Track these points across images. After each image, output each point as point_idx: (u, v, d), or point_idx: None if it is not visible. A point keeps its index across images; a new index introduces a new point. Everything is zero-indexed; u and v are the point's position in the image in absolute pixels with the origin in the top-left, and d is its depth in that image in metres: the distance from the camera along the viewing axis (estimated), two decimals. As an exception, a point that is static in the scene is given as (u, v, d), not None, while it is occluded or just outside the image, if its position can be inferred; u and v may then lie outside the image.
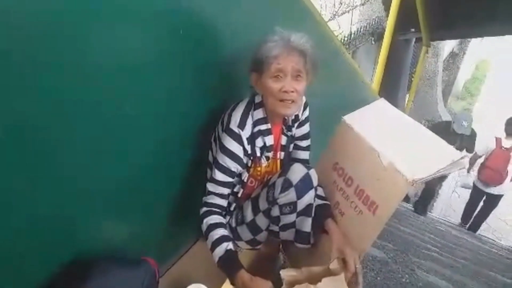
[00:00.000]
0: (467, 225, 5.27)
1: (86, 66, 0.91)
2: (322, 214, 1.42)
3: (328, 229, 1.39)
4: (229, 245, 1.28)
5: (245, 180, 1.44)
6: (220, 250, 1.27)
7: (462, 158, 1.23)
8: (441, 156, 1.26)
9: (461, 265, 2.94)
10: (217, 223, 1.32)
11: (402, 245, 2.79)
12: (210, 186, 1.36)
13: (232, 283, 1.26)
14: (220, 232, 1.31)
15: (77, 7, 0.84)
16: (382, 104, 1.59)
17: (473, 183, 4.93)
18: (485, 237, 5.34)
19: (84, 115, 0.95)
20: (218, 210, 1.36)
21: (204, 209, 1.35)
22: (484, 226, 5.87)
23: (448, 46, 10.06)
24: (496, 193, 4.64)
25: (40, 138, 0.87)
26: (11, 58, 0.75)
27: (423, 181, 1.22)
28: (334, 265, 1.30)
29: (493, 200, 4.77)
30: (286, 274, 1.29)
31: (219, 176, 1.33)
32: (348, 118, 1.52)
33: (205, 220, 1.33)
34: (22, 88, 0.79)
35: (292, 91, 1.27)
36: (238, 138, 1.32)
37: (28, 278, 0.99)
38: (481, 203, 4.95)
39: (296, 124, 1.50)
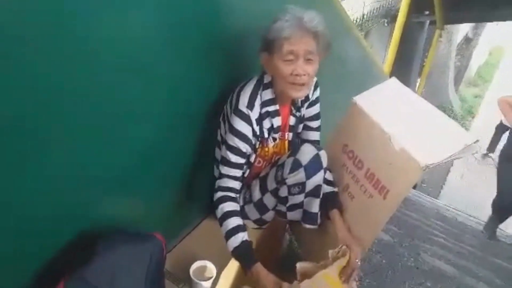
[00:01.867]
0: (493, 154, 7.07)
1: (92, 50, 0.90)
2: (328, 203, 1.42)
3: (333, 221, 1.39)
4: (245, 236, 1.28)
5: (252, 161, 1.43)
6: (235, 240, 1.27)
7: (475, 142, 1.21)
8: (454, 140, 1.23)
9: (467, 252, 2.94)
10: (232, 210, 1.31)
11: (408, 229, 2.80)
12: (223, 169, 1.34)
13: (245, 273, 1.27)
14: (236, 221, 1.30)
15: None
16: (393, 83, 1.55)
17: (501, 121, 6.52)
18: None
19: (97, 95, 0.95)
20: (232, 195, 1.35)
21: (219, 194, 1.34)
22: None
23: (462, 30, 9.85)
24: None
25: (55, 116, 0.88)
26: (11, 55, 0.74)
27: (435, 166, 1.20)
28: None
29: None
30: (301, 266, 1.31)
31: (232, 157, 1.32)
32: (359, 99, 1.48)
33: (220, 206, 1.32)
34: (24, 79, 0.78)
35: (304, 75, 1.24)
36: (247, 119, 1.30)
37: (39, 250, 1.01)
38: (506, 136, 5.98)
39: (305, 105, 1.48)
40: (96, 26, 0.88)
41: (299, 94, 1.31)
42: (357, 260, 1.29)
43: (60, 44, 0.82)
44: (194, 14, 1.19)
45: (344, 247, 1.31)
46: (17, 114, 0.80)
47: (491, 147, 7.45)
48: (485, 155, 7.55)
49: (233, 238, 1.27)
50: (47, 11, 0.77)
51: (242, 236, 1.27)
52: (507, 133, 6.11)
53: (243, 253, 1.27)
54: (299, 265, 1.31)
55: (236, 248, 1.26)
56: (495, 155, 7.39)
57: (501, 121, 6.69)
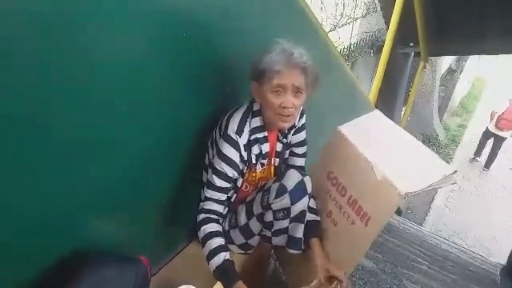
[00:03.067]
0: (481, 161, 8.29)
1: (86, 67, 0.93)
2: (309, 231, 1.44)
3: (312, 250, 1.42)
4: (227, 255, 1.30)
5: (239, 186, 1.46)
6: (218, 259, 1.28)
7: (454, 172, 1.26)
8: (434, 170, 1.28)
9: (450, 279, 2.95)
10: (215, 231, 1.33)
11: (391, 256, 2.81)
12: (208, 192, 1.37)
13: None
14: (218, 241, 1.31)
15: (82, 8, 0.87)
16: (377, 115, 1.62)
17: (487, 128, 7.79)
18: (475, 253, 5.36)
19: (81, 119, 0.97)
20: (215, 217, 1.37)
21: (202, 216, 1.36)
22: (474, 242, 5.91)
23: (445, 62, 10.13)
24: (503, 136, 7.47)
25: (41, 134, 0.89)
26: (11, 58, 0.77)
27: (415, 194, 1.24)
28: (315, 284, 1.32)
29: (500, 141, 7.63)
30: None
31: (217, 181, 1.35)
32: (343, 128, 1.54)
33: (202, 228, 1.34)
34: (19, 86, 0.81)
35: (291, 107, 1.29)
36: (235, 145, 1.33)
37: (22, 271, 1.01)
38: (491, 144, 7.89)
39: (292, 131, 1.53)
40: (93, 44, 0.93)
41: (286, 125, 1.36)
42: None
43: (55, 63, 0.85)
44: (185, 44, 1.23)
45: (315, 281, 1.33)
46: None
47: (478, 152, 8.40)
48: (472, 160, 8.54)
49: (215, 257, 1.28)
50: (44, 30, 0.80)
51: (224, 255, 1.28)
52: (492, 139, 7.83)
53: (225, 272, 1.27)
54: None
55: (218, 267, 1.27)
56: (483, 159, 8.33)
57: (487, 127, 7.83)
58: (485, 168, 8.27)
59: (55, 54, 0.85)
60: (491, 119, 7.70)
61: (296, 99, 1.30)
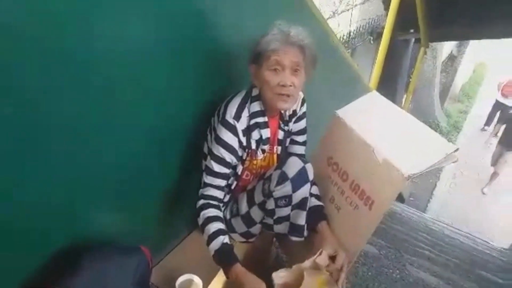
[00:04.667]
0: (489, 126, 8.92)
1: (83, 55, 0.92)
2: (315, 216, 1.43)
3: (321, 233, 1.41)
4: (226, 239, 1.29)
5: (239, 173, 1.45)
6: (216, 243, 1.27)
7: (455, 150, 1.25)
8: (435, 150, 1.27)
9: (453, 264, 2.96)
10: (214, 216, 1.33)
11: (394, 242, 2.82)
12: (207, 178, 1.36)
13: (226, 276, 1.27)
14: (217, 225, 1.31)
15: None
16: (374, 96, 1.61)
17: (496, 99, 8.42)
18: (479, 238, 5.38)
19: (80, 106, 0.96)
20: (215, 202, 1.36)
21: (201, 201, 1.35)
22: (477, 227, 5.92)
23: (446, 48, 10.05)
24: (509, 104, 7.91)
25: (39, 126, 0.89)
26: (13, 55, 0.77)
27: (418, 175, 1.24)
28: (320, 259, 1.30)
29: (506, 110, 7.85)
30: (277, 276, 1.29)
31: (216, 167, 1.34)
32: (341, 112, 1.53)
33: (202, 213, 1.33)
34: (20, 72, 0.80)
35: (290, 85, 1.28)
36: (233, 130, 1.32)
37: (24, 261, 1.01)
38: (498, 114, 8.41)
39: (293, 119, 1.52)
40: (90, 40, 0.91)
41: (286, 106, 1.35)
42: (343, 266, 1.30)
43: (53, 54, 0.85)
44: (184, 30, 1.22)
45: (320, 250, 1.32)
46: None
47: (488, 122, 9.07)
48: (482, 130, 9.25)
49: (214, 241, 1.28)
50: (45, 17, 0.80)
51: (222, 239, 1.28)
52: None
53: (223, 255, 1.27)
54: (274, 275, 1.28)
55: (217, 251, 1.27)
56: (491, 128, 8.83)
57: (496, 100, 8.40)
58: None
59: (60, 40, 0.84)
60: (498, 90, 8.28)
61: (295, 78, 1.29)
